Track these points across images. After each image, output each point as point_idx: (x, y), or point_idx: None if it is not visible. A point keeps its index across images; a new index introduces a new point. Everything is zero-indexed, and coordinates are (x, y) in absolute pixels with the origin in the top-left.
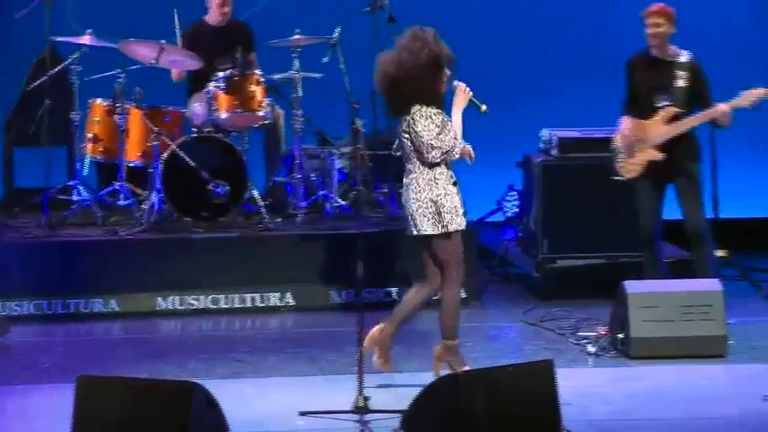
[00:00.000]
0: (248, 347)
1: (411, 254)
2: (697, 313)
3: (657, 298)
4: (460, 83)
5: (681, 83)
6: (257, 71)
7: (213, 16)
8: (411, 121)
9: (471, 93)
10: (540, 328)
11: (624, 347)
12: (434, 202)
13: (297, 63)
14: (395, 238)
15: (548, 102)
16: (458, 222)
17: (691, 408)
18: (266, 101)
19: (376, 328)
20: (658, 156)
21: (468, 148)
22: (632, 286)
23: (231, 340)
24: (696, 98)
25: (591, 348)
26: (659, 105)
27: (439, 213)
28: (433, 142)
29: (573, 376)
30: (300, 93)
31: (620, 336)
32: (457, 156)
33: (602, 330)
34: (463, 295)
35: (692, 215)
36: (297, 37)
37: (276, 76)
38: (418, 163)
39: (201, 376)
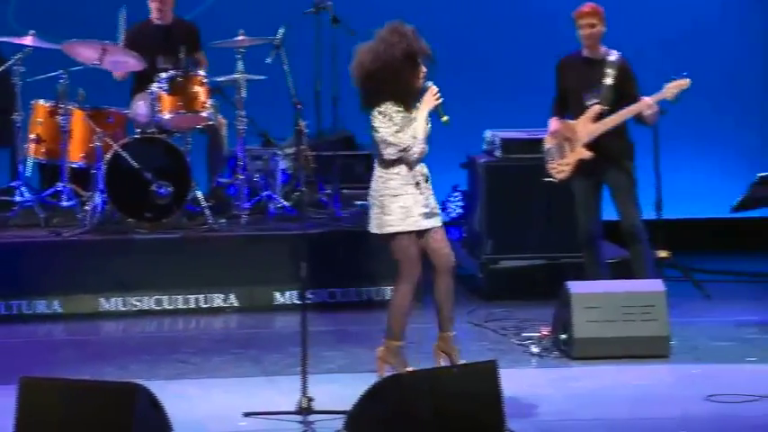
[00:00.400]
0: (192, 348)
1: (354, 254)
2: (639, 314)
3: (600, 298)
4: (433, 86)
5: (609, 81)
6: (201, 72)
7: (154, 15)
8: (371, 118)
9: (441, 100)
10: (484, 328)
11: (567, 348)
12: (381, 201)
13: (240, 64)
14: (338, 238)
15: (492, 103)
16: (408, 224)
17: (633, 408)
18: (209, 102)
19: (381, 349)
20: (587, 154)
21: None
22: (575, 287)
23: (174, 341)
24: (624, 96)
25: (534, 349)
26: (588, 104)
27: (383, 213)
28: (389, 138)
29: (516, 377)
30: (244, 94)
31: (563, 336)
32: (416, 156)
33: (545, 331)
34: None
35: (627, 214)
36: (240, 38)
37: (220, 78)
38: (378, 160)
39: (144, 377)
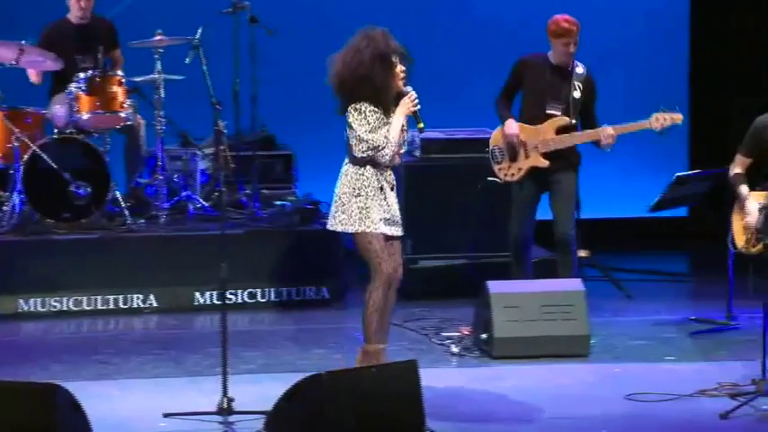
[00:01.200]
0: (112, 349)
1: (274, 254)
2: (559, 313)
3: (520, 298)
4: (412, 92)
5: (577, 94)
6: (119, 72)
7: (74, 13)
8: (347, 114)
9: (418, 106)
10: (404, 328)
11: (487, 347)
12: (341, 199)
13: (159, 64)
14: (259, 238)
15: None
16: (365, 225)
17: (553, 407)
18: (128, 102)
19: (358, 358)
20: (545, 163)
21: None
22: (495, 286)
23: (95, 342)
24: (584, 112)
25: (454, 349)
26: (551, 112)
27: (341, 212)
28: (362, 135)
29: (436, 376)
30: (163, 94)
31: (484, 336)
32: (387, 158)
33: (466, 330)
34: (327, 296)
35: (564, 222)
36: (158, 38)
37: (138, 78)
38: (348, 158)
39: (65, 378)
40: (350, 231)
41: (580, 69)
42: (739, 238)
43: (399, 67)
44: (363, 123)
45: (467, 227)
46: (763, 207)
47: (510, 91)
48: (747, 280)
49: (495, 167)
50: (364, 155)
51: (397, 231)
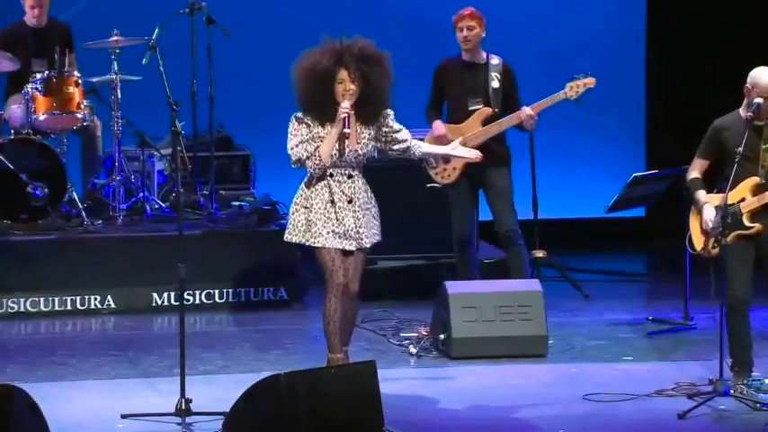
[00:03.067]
0: (69, 350)
1: (232, 255)
2: (517, 313)
3: (477, 298)
4: (345, 103)
5: (495, 84)
6: (76, 73)
7: (29, 17)
8: None
9: (344, 116)
10: (362, 328)
11: (445, 348)
12: (292, 206)
13: (115, 65)
14: (216, 239)
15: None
16: (307, 237)
17: (511, 408)
18: (84, 103)
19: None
20: (478, 156)
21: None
22: (453, 287)
23: (51, 343)
24: (508, 100)
25: (412, 349)
26: (473, 108)
27: (289, 221)
28: (288, 147)
29: (395, 377)
30: (119, 95)
31: (442, 336)
32: (311, 170)
33: (424, 331)
34: (285, 297)
35: (503, 218)
36: (115, 38)
37: (95, 79)
38: None
39: (21, 380)
40: (294, 242)
41: (495, 60)
42: (697, 241)
43: (345, 86)
44: (291, 135)
45: (424, 227)
46: (718, 207)
47: (436, 99)
48: (704, 280)
49: (432, 173)
50: (293, 166)
51: (349, 245)
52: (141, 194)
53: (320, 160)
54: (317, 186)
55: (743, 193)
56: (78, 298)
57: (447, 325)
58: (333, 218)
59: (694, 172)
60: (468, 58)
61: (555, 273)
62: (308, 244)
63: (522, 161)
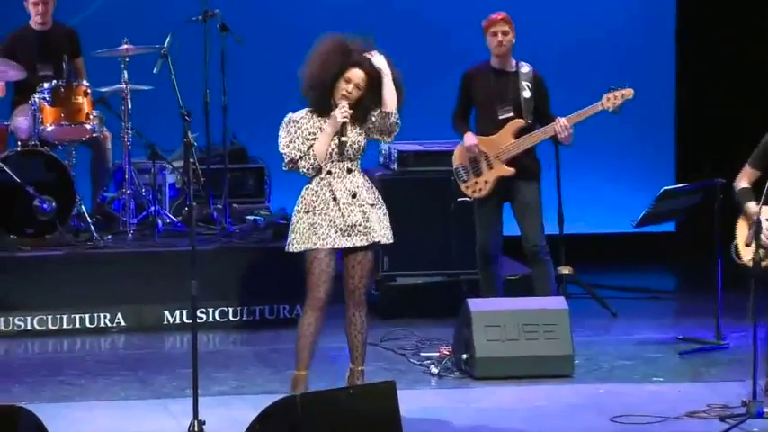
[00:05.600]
0: (77, 370)
1: (246, 271)
2: (542, 332)
3: (501, 316)
4: (344, 104)
5: (527, 94)
6: (84, 82)
7: (33, 19)
8: None
9: (346, 118)
10: (381, 348)
11: (468, 368)
12: (293, 216)
13: (125, 74)
14: (230, 255)
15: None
16: (312, 242)
17: (536, 430)
18: (94, 113)
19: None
20: (511, 171)
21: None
22: (475, 304)
23: (59, 363)
24: (537, 111)
25: (434, 369)
26: (503, 117)
27: (291, 230)
28: (280, 149)
29: (415, 398)
30: (130, 105)
31: (464, 356)
32: (303, 170)
33: (446, 350)
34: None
35: (532, 233)
36: (125, 46)
37: (104, 89)
38: None
39: (28, 400)
40: (301, 250)
41: (525, 69)
42: (744, 252)
43: (350, 87)
44: (283, 135)
45: (446, 242)
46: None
47: (463, 108)
48: (737, 297)
49: (462, 187)
50: (286, 168)
51: (360, 240)
52: (152, 208)
53: (315, 159)
54: (317, 188)
55: None
56: (87, 316)
57: (470, 344)
58: (338, 215)
59: (743, 181)
60: (498, 65)
61: (581, 290)
62: (315, 247)
63: (548, 174)
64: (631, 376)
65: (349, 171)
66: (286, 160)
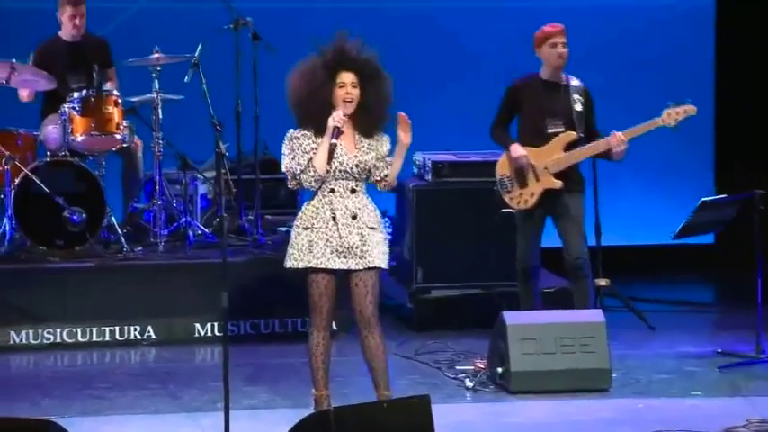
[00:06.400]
0: (107, 383)
1: (278, 283)
2: (578, 345)
3: (537, 330)
4: (338, 111)
5: (578, 107)
6: (115, 92)
7: (66, 31)
8: None
9: (339, 124)
10: (415, 361)
11: (503, 382)
12: (293, 231)
13: (156, 83)
14: (262, 266)
15: (421, 124)
16: (308, 259)
17: None
18: (124, 123)
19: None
20: (558, 184)
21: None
22: (511, 317)
23: (88, 376)
24: (588, 126)
25: (469, 383)
26: (552, 131)
27: (289, 245)
28: (283, 166)
29: (450, 412)
30: (161, 114)
31: (500, 369)
32: (306, 184)
33: (481, 364)
34: (333, 327)
35: (574, 247)
36: (156, 56)
37: (135, 98)
38: None
39: (57, 414)
40: (299, 267)
41: (576, 82)
42: None
43: (347, 89)
44: (285, 153)
45: (481, 254)
46: None
47: (505, 120)
48: None
49: (507, 198)
50: (290, 186)
51: (355, 264)
52: (183, 219)
53: (314, 171)
54: (317, 206)
55: None
56: (117, 328)
57: (505, 357)
58: (335, 235)
59: None
60: (550, 77)
61: (619, 302)
62: (310, 265)
63: (586, 185)
64: (669, 391)
65: (353, 191)
66: (289, 177)
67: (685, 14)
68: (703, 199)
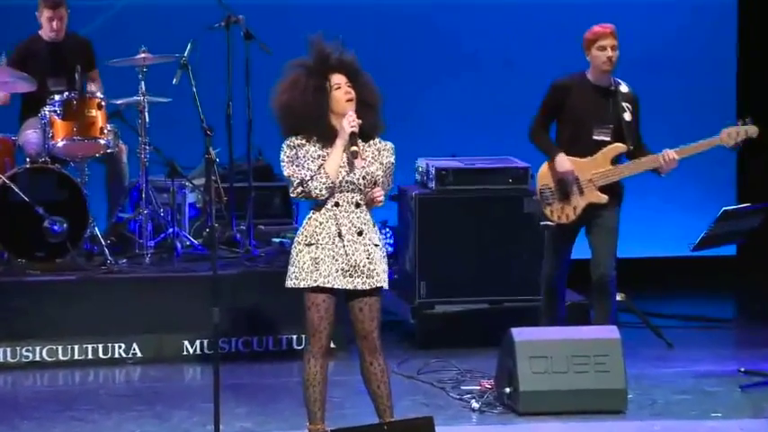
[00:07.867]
0: (89, 405)
1: (272, 298)
2: (592, 364)
3: (548, 347)
4: (351, 113)
5: (628, 117)
6: (98, 94)
7: (46, 31)
8: None
9: (355, 128)
10: (418, 380)
11: (512, 402)
12: (293, 249)
13: (143, 85)
14: (254, 280)
15: (423, 129)
16: (312, 278)
17: None
18: (108, 127)
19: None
20: (604, 198)
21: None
22: (520, 334)
23: (70, 397)
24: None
25: (475, 404)
26: (598, 138)
27: (290, 264)
28: (285, 173)
29: None
30: (147, 118)
31: (508, 389)
32: (317, 191)
33: (488, 383)
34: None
35: (605, 262)
36: (142, 55)
37: (119, 101)
38: None
39: None
40: (302, 287)
41: (624, 88)
42: None
43: (344, 89)
44: (287, 160)
45: (488, 266)
46: None
47: (548, 121)
48: None
49: (548, 210)
50: (294, 194)
51: (362, 284)
52: (171, 230)
53: (327, 177)
54: (321, 220)
55: None
56: (101, 346)
57: (513, 376)
58: (341, 253)
59: None
60: (598, 81)
61: (635, 318)
62: (316, 284)
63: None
64: (688, 412)
65: (357, 206)
66: (295, 183)
67: (706, 14)
68: (725, 208)
